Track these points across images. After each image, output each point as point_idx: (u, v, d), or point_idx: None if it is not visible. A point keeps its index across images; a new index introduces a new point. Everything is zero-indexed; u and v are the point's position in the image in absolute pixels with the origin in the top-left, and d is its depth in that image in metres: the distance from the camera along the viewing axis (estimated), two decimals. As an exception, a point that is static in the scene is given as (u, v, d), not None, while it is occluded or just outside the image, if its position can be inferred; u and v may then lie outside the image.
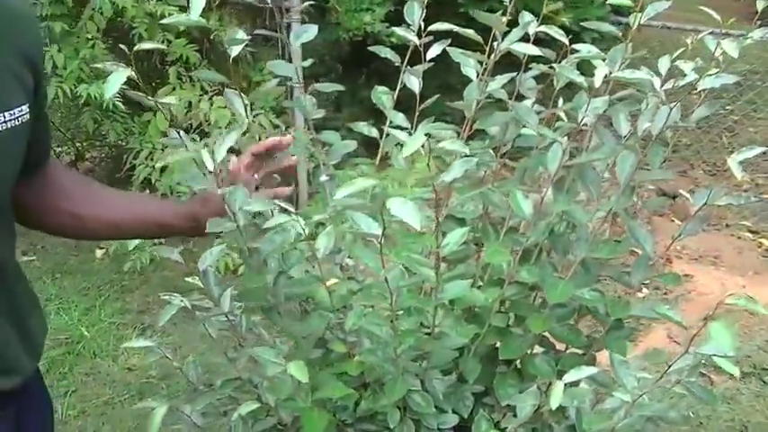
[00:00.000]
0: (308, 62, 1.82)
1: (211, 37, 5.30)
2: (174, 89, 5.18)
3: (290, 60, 5.70)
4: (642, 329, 4.13)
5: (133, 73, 1.53)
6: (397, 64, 2.07)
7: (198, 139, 4.89)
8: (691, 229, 1.84)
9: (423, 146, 1.50)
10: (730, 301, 1.42)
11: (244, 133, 1.80)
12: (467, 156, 1.50)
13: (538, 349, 2.06)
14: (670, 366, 1.52)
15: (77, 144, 6.23)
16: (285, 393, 1.68)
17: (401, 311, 1.73)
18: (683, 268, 4.79)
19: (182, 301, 1.95)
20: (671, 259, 4.86)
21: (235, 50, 1.75)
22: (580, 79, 1.63)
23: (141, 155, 4.82)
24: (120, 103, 4.53)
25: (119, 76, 1.56)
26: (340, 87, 1.98)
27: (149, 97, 1.61)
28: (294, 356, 1.87)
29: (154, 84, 5.27)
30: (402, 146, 1.51)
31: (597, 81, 1.58)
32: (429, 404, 1.84)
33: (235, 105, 1.87)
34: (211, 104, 4.84)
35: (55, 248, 5.13)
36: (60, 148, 6.27)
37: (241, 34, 1.77)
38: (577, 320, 2.03)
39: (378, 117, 2.08)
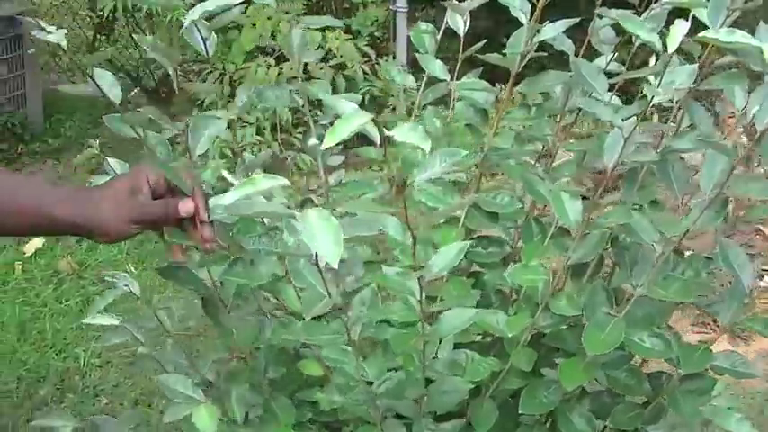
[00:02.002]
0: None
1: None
2: (263, 7, 4.73)
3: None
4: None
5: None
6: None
7: (274, 63, 4.44)
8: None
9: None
10: None
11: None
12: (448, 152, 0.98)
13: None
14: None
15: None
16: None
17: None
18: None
19: (126, 285, 1.53)
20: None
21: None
22: (653, 37, 1.08)
23: (210, 77, 4.38)
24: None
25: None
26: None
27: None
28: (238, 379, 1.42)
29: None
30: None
31: (672, 44, 1.03)
32: (415, 462, 1.36)
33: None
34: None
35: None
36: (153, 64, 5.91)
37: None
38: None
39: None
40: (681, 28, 1.03)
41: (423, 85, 1.63)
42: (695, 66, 1.13)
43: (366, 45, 4.57)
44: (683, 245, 1.35)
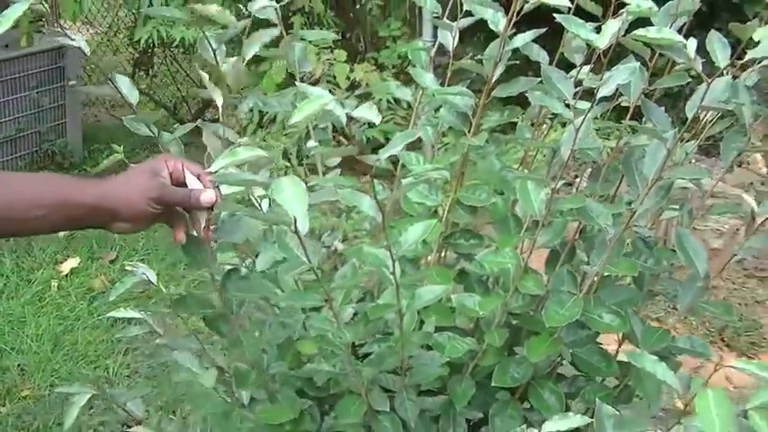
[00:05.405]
0: None
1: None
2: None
3: (419, 15, 5.36)
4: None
5: None
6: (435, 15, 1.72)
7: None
8: (753, 247, 1.41)
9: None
10: None
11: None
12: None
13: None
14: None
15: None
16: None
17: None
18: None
19: (143, 273, 1.67)
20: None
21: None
22: (592, 36, 1.22)
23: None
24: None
25: (15, 10, 1.26)
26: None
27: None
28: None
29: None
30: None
31: (602, 40, 1.18)
32: (397, 430, 1.50)
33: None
34: (322, 59, 4.52)
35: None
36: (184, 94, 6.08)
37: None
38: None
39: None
40: (612, 26, 1.17)
41: (418, 97, 1.79)
42: (633, 64, 1.27)
43: (392, 75, 4.75)
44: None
